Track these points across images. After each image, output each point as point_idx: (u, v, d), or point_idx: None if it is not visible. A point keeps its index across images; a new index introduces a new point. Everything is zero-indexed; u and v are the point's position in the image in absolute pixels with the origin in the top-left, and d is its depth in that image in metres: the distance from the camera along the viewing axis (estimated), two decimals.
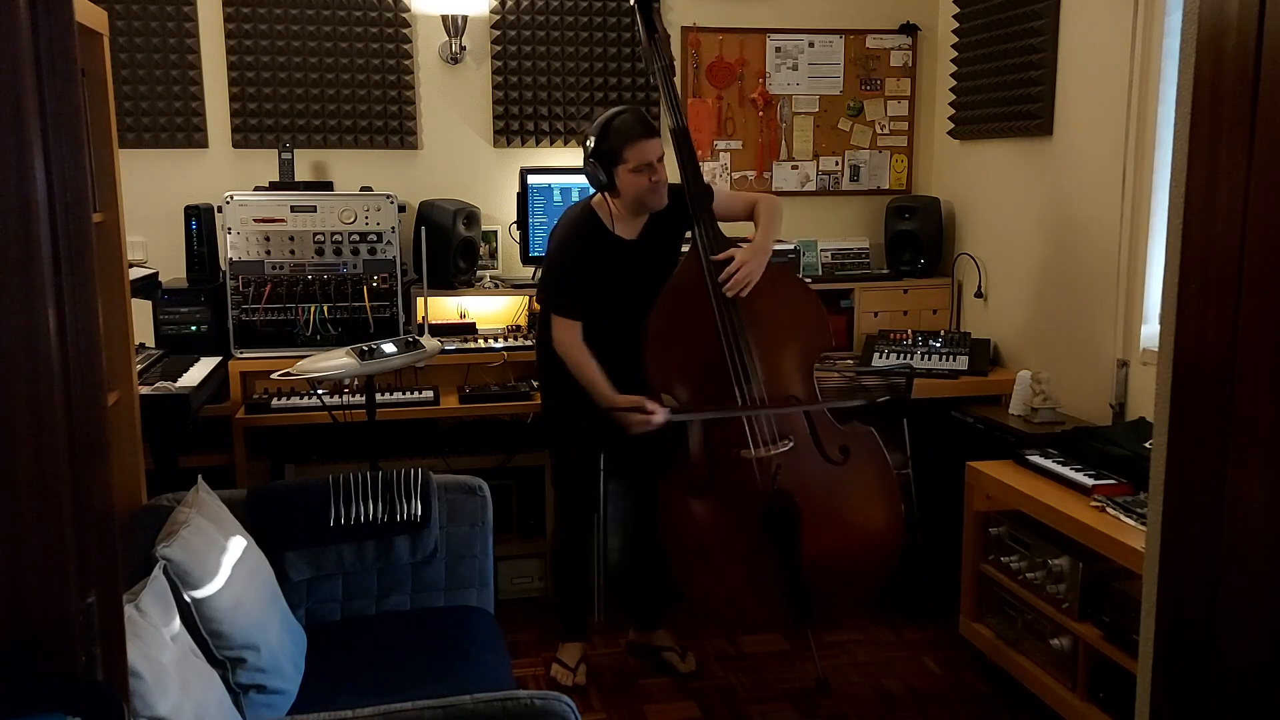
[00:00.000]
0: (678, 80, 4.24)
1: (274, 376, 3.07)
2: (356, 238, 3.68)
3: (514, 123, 4.16)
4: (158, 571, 2.01)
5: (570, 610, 3.39)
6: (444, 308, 3.95)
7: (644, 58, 3.20)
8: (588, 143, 3.01)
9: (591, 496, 3.39)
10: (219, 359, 3.50)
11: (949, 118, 4.30)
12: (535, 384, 3.72)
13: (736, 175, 4.36)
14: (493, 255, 4.14)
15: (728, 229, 3.14)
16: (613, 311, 3.07)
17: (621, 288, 3.08)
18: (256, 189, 3.73)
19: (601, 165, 2.99)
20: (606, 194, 3.07)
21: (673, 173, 3.10)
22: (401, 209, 3.74)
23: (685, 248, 3.22)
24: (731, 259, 2.99)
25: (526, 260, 4.03)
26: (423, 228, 3.79)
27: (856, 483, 3.09)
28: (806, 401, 3.09)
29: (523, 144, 4.18)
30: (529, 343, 3.85)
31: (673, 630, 3.46)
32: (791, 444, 3.02)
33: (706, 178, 3.24)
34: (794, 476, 3.01)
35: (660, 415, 2.93)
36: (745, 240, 3.10)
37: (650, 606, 3.44)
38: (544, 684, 3.27)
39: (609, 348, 3.05)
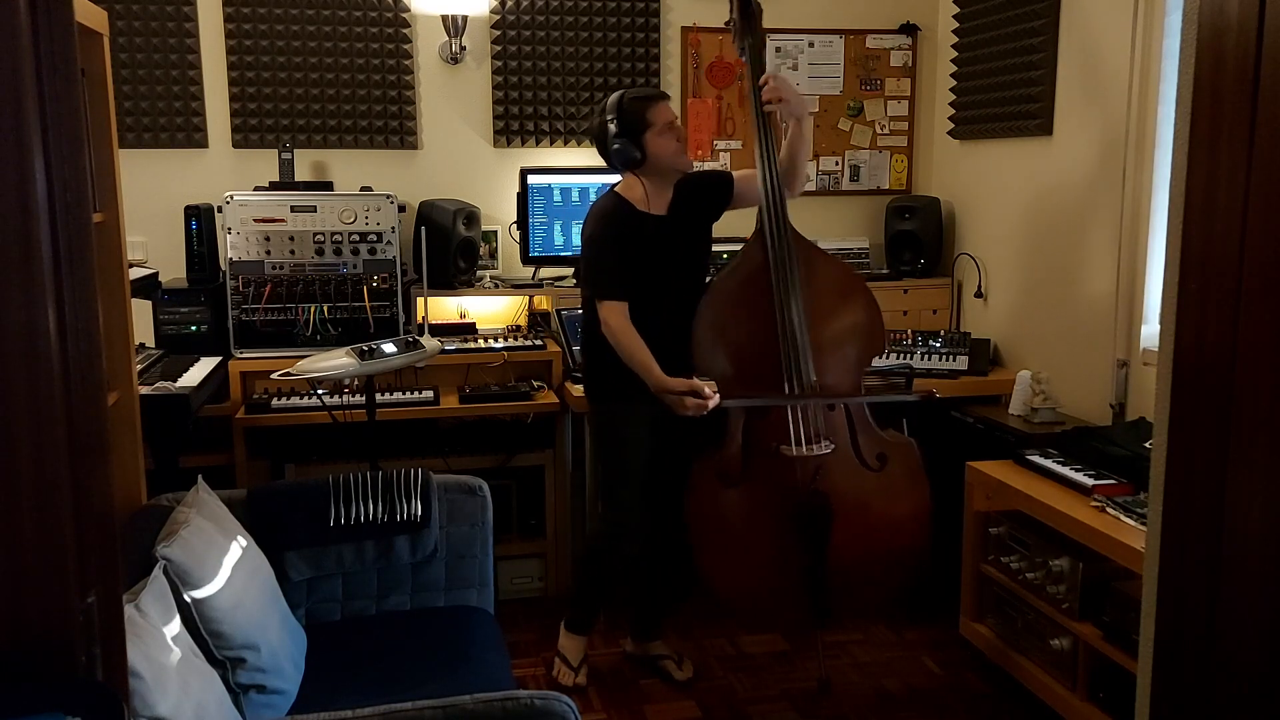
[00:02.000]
0: (676, 79, 4.27)
1: (274, 376, 3.07)
2: (356, 238, 3.68)
3: (514, 123, 4.16)
4: (158, 571, 2.01)
5: (587, 605, 3.33)
6: (444, 308, 3.95)
7: (734, 33, 3.19)
8: (609, 125, 2.99)
9: (637, 500, 3.22)
10: (219, 359, 3.50)
11: (949, 118, 4.30)
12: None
13: (736, 175, 4.34)
14: (493, 255, 4.14)
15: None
16: (652, 291, 3.04)
17: (659, 265, 3.06)
18: (256, 189, 3.73)
19: (630, 139, 2.98)
20: (635, 172, 3.05)
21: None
22: (401, 209, 3.74)
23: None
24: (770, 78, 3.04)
25: (526, 260, 4.03)
26: (423, 228, 3.79)
27: (890, 491, 3.09)
28: (853, 405, 3.09)
29: (523, 144, 4.18)
30: (529, 343, 3.85)
31: (670, 637, 3.45)
32: (833, 447, 3.03)
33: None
34: (831, 479, 3.02)
35: (715, 399, 2.91)
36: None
37: (649, 616, 3.43)
38: (544, 684, 3.27)
39: (650, 328, 3.02)
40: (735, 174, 3.26)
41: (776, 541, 3.01)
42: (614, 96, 3.04)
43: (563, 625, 3.36)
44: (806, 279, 3.04)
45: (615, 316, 3.00)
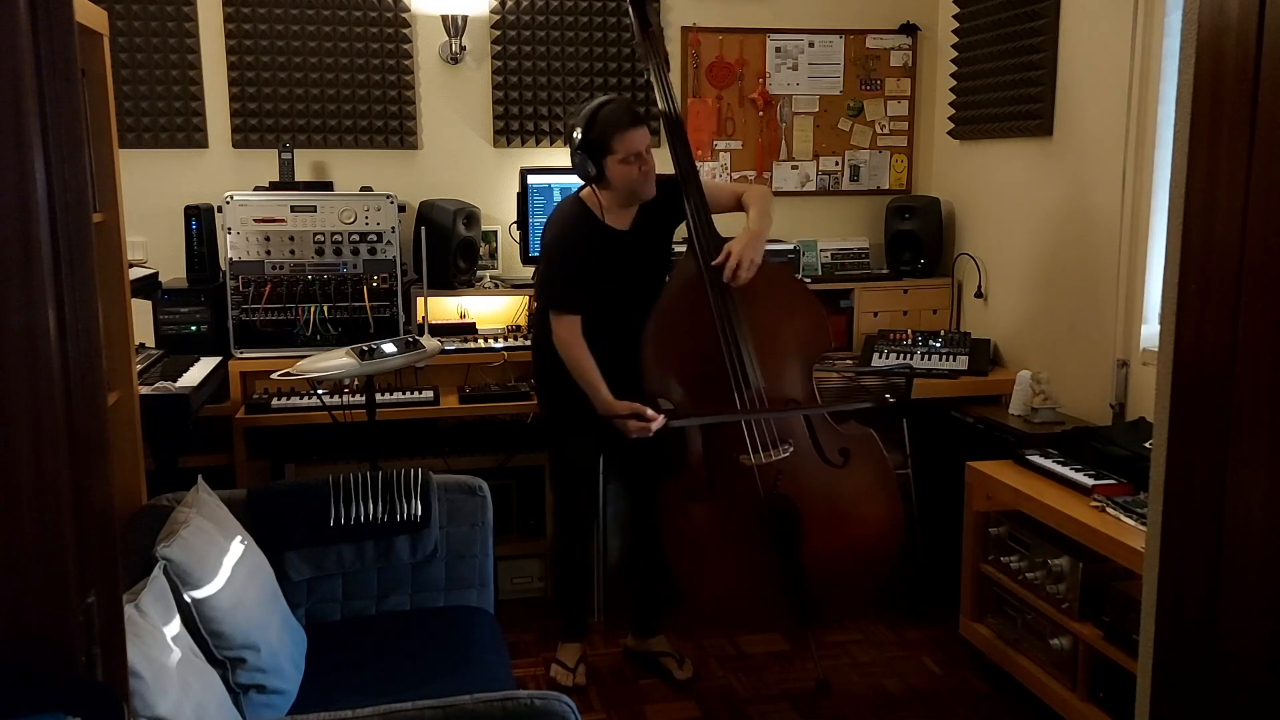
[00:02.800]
0: (676, 79, 4.27)
1: (274, 376, 3.07)
2: (356, 238, 3.68)
3: (514, 123, 4.16)
4: (158, 571, 2.01)
5: (569, 611, 3.38)
6: (444, 308, 3.95)
7: (639, 53, 3.21)
8: (574, 134, 2.97)
9: (591, 498, 3.38)
10: (219, 359, 3.50)
11: (949, 118, 4.30)
12: (533, 384, 3.73)
13: (736, 175, 4.35)
14: (493, 255, 4.14)
15: (721, 226, 3.12)
16: (608, 305, 3.05)
17: (616, 280, 3.06)
18: (256, 189, 3.73)
19: (590, 157, 2.96)
20: (595, 186, 3.06)
21: (665, 164, 3.10)
22: (401, 209, 3.74)
23: (680, 247, 3.22)
24: (728, 255, 2.96)
25: (526, 260, 4.03)
26: (423, 228, 3.79)
27: (857, 485, 3.08)
28: (806, 405, 3.08)
29: (523, 144, 4.18)
30: (529, 343, 3.85)
31: (670, 636, 3.45)
32: (791, 449, 3.02)
33: (706, 176, 3.24)
34: (795, 481, 3.01)
35: (657, 422, 2.91)
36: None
37: (648, 612, 3.43)
38: (544, 684, 3.27)
39: (605, 344, 3.03)
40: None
41: (751, 550, 3.01)
42: (591, 105, 2.99)
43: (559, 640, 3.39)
44: (742, 286, 2.99)
45: (566, 330, 3.00)
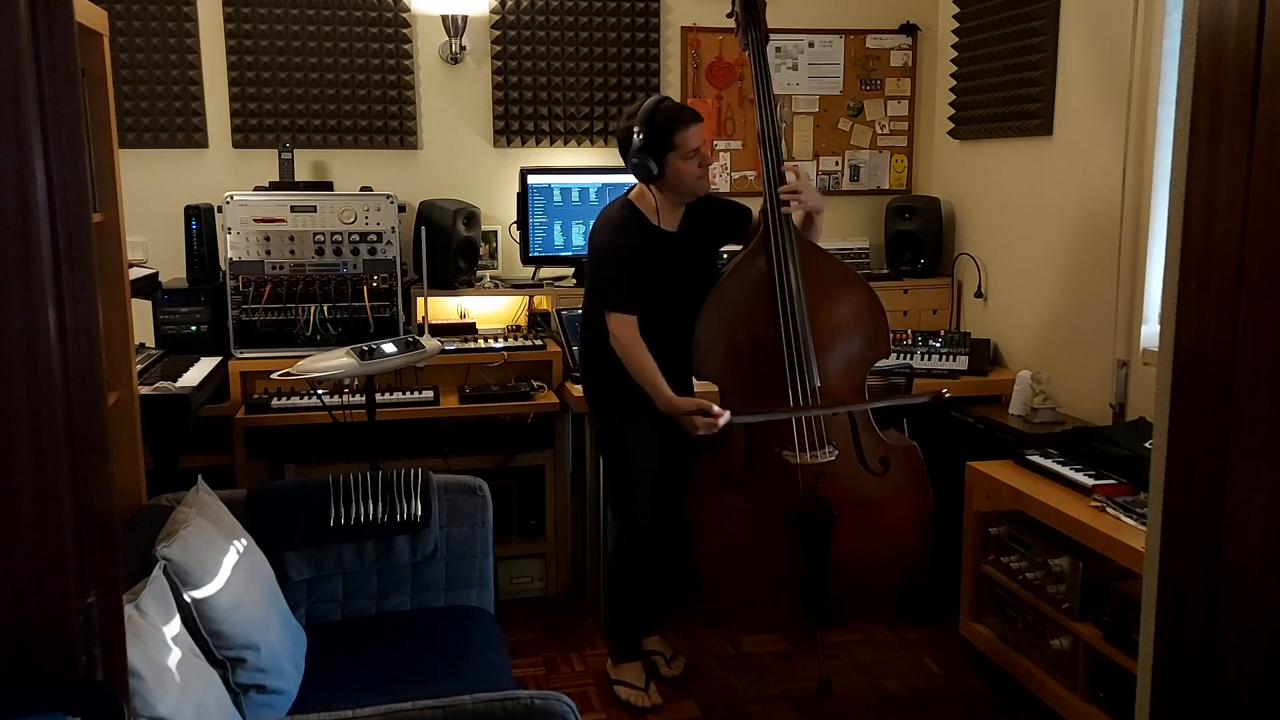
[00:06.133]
0: (675, 79, 4.27)
1: (274, 376, 3.07)
2: (356, 238, 3.68)
3: (514, 123, 4.16)
4: (158, 571, 2.01)
5: (626, 626, 3.30)
6: (444, 308, 3.95)
7: (737, 28, 3.18)
8: (635, 135, 2.94)
9: (648, 507, 3.18)
10: (219, 359, 3.50)
11: (949, 118, 4.30)
12: (530, 385, 3.72)
13: (736, 175, 4.36)
14: (493, 255, 4.14)
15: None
16: (660, 306, 3.02)
17: (666, 281, 3.04)
18: (256, 189, 3.73)
19: (652, 156, 2.95)
20: (650, 186, 3.03)
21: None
22: (401, 209, 3.74)
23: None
24: (793, 173, 3.03)
25: (526, 260, 4.03)
26: (423, 228, 3.79)
27: (893, 496, 3.08)
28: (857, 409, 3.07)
29: (523, 144, 4.18)
30: (529, 343, 3.85)
31: (668, 635, 3.45)
32: (837, 454, 3.02)
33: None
34: (835, 485, 3.00)
35: (725, 418, 2.86)
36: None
37: (651, 610, 3.43)
38: (544, 684, 3.27)
39: (651, 344, 2.99)
40: (757, 213, 3.18)
41: (777, 546, 3.01)
42: (647, 105, 2.97)
43: (609, 661, 3.32)
44: (810, 283, 3.00)
45: (624, 330, 2.97)
